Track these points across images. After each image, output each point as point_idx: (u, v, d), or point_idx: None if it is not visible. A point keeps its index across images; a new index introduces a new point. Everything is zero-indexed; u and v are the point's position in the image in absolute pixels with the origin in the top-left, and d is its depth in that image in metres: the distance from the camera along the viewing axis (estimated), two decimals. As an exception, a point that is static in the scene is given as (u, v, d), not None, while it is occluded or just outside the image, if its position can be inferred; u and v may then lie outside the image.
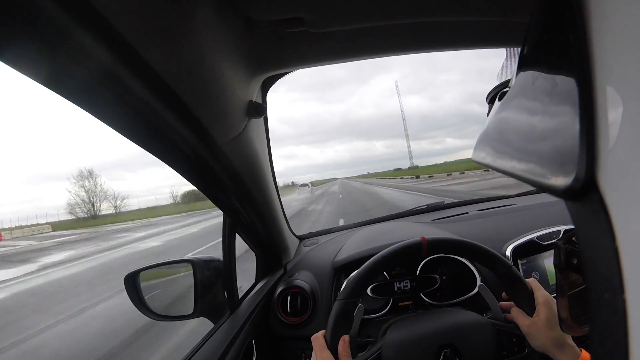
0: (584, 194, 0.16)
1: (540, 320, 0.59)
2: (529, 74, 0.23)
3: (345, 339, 0.59)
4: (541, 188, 0.19)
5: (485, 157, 0.27)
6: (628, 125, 0.14)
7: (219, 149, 0.57)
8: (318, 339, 0.61)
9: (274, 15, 0.46)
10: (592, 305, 0.18)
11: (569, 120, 0.16)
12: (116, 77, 0.37)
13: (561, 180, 0.17)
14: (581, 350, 0.55)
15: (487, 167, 0.28)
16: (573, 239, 0.32)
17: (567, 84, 0.17)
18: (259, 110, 0.59)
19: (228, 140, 0.57)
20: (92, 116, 0.41)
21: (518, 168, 0.21)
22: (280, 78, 0.69)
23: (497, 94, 0.56)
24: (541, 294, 0.62)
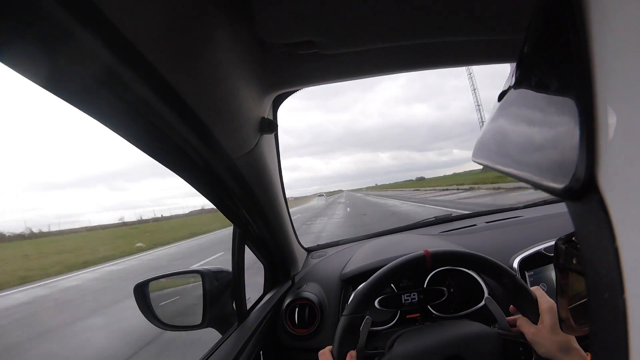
0: (584, 194, 0.16)
1: (545, 326, 0.58)
2: (528, 75, 0.23)
3: (352, 355, 0.59)
4: (541, 188, 0.19)
5: (486, 158, 0.27)
6: (628, 125, 0.14)
7: (233, 164, 0.59)
8: (325, 355, 0.61)
9: (287, 39, 0.48)
10: (592, 305, 0.18)
11: (568, 121, 0.16)
12: (137, 95, 0.39)
13: (561, 181, 0.17)
14: (587, 354, 0.55)
15: (487, 168, 0.28)
16: (573, 239, 0.33)
17: (566, 84, 0.17)
18: (270, 126, 0.61)
19: (241, 155, 0.59)
20: (110, 131, 0.43)
21: (518, 168, 0.22)
22: (290, 95, 0.71)
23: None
24: (545, 300, 0.62)
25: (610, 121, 0.15)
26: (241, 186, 0.67)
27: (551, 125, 0.19)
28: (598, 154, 0.15)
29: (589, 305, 0.18)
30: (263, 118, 0.61)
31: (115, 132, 0.43)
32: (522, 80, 0.24)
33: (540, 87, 0.21)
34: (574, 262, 0.31)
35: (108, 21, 0.29)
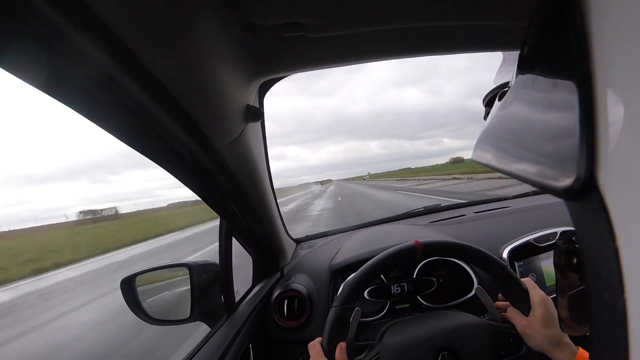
0: (584, 194, 0.16)
1: (536, 319, 0.59)
2: (528, 75, 0.23)
3: (342, 346, 0.59)
4: (541, 188, 0.19)
5: (486, 157, 0.27)
6: (628, 125, 0.14)
7: (217, 152, 0.57)
8: (315, 347, 0.60)
9: (273, 20, 0.46)
10: (592, 305, 0.18)
11: (568, 121, 0.17)
12: (112, 79, 0.37)
13: (561, 181, 0.17)
14: (578, 348, 0.55)
15: (487, 167, 0.28)
16: (573, 239, 0.33)
17: (567, 84, 0.17)
18: (256, 114, 0.59)
19: (226, 143, 0.57)
20: (86, 119, 0.41)
21: (518, 168, 0.22)
22: (277, 82, 0.69)
23: (494, 96, 0.57)
24: (536, 293, 0.62)
25: (610, 121, 0.15)
26: (226, 176, 0.65)
27: (551, 125, 0.19)
28: (598, 154, 0.15)
29: (589, 305, 0.18)
30: (248, 105, 0.59)
31: (92, 121, 0.41)
32: (522, 80, 0.24)
33: (540, 86, 0.21)
34: (574, 261, 0.31)
35: (82, 2, 0.28)
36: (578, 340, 0.58)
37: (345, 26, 0.49)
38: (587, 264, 0.19)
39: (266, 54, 0.56)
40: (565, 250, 0.33)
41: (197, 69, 0.43)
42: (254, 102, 0.64)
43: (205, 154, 0.56)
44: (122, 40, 0.33)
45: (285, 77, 0.65)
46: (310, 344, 0.61)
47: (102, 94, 0.38)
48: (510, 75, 0.28)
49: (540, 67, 0.21)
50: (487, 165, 0.27)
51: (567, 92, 0.17)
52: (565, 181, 0.16)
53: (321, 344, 0.60)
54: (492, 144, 0.27)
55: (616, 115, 0.14)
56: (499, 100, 0.28)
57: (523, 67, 0.23)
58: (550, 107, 0.19)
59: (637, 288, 0.14)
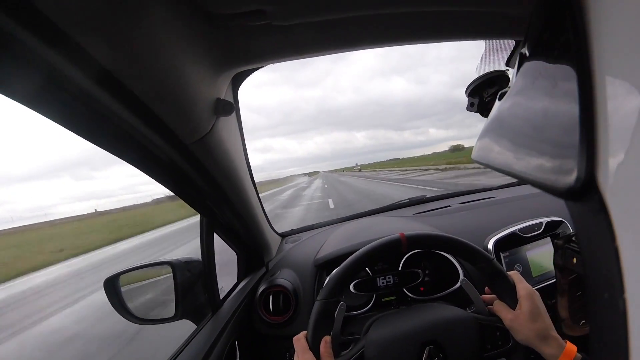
0: (584, 194, 0.16)
1: (523, 313, 0.58)
2: (529, 75, 0.23)
3: (327, 340, 0.58)
4: (541, 188, 0.19)
5: (486, 157, 0.27)
6: (628, 125, 0.14)
7: (186, 149, 0.55)
8: (300, 340, 0.60)
9: (233, 8, 0.43)
10: (592, 305, 0.18)
11: (568, 121, 0.17)
12: (65, 77, 0.35)
13: (561, 181, 0.17)
14: (566, 342, 0.55)
15: (487, 167, 0.28)
16: (573, 238, 0.33)
17: (567, 84, 0.17)
18: (226, 108, 0.57)
19: (195, 140, 0.55)
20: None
21: (518, 168, 0.22)
22: (251, 73, 0.67)
23: (477, 86, 0.56)
24: (523, 286, 0.61)
25: (610, 122, 0.15)
26: (200, 173, 0.63)
27: (551, 125, 0.19)
28: (598, 154, 0.15)
29: (589, 305, 0.19)
30: (218, 99, 0.57)
31: (52, 119, 0.39)
32: (522, 80, 0.24)
33: (540, 87, 0.21)
34: (574, 261, 0.31)
35: None
36: (578, 340, 0.58)
37: (312, 13, 0.46)
38: (587, 264, 0.19)
39: (233, 46, 0.53)
40: (566, 250, 0.33)
41: (153, 62, 0.41)
42: (226, 95, 0.61)
43: (175, 151, 0.54)
44: (68, 35, 0.32)
45: (258, 68, 0.63)
46: (295, 338, 0.61)
47: (58, 92, 0.37)
48: (494, 63, 0.28)
49: (540, 67, 0.21)
50: (487, 166, 0.27)
51: (567, 92, 0.17)
52: (565, 181, 0.17)
53: (306, 338, 0.60)
54: (492, 145, 0.27)
55: (616, 115, 0.15)
56: (499, 100, 0.29)
57: (523, 67, 0.23)
58: (550, 107, 0.19)
59: (637, 288, 0.14)
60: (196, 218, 0.82)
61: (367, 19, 0.53)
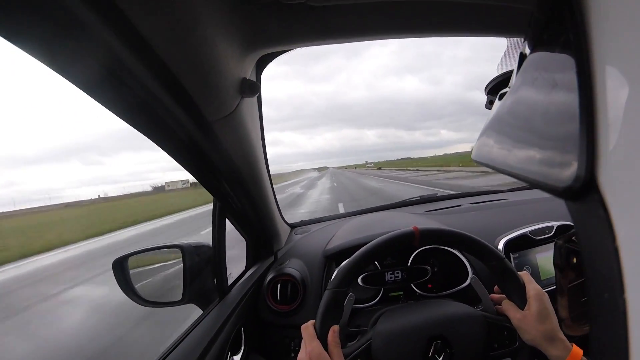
0: (584, 194, 0.16)
1: (531, 313, 0.58)
2: (529, 74, 0.22)
3: (334, 329, 0.58)
4: (541, 188, 0.19)
5: (486, 157, 0.27)
6: (628, 125, 0.14)
7: (210, 127, 0.55)
8: (308, 329, 0.60)
9: None
10: (592, 305, 0.18)
11: (569, 120, 0.17)
12: (101, 42, 0.35)
13: (561, 180, 0.17)
14: (572, 345, 0.55)
15: (487, 167, 0.28)
16: (573, 238, 0.32)
17: (567, 84, 0.17)
18: (252, 88, 0.56)
19: (219, 117, 0.55)
20: (77, 90, 0.39)
21: (518, 168, 0.22)
22: (276, 57, 0.66)
23: (495, 85, 0.55)
24: (533, 287, 0.61)
25: (610, 121, 0.15)
26: (220, 153, 0.62)
27: (551, 125, 0.19)
28: (598, 154, 0.15)
29: (589, 305, 0.19)
30: (244, 79, 0.56)
31: (83, 90, 0.39)
32: (522, 80, 0.24)
33: (540, 86, 0.21)
34: (574, 261, 0.31)
35: None
36: (578, 340, 0.57)
37: None
38: (587, 264, 0.19)
39: (264, 25, 0.53)
40: (566, 250, 0.33)
41: (189, 33, 0.41)
42: (250, 75, 0.61)
43: (198, 127, 0.54)
44: (112, 2, 0.31)
45: (284, 51, 0.62)
46: (303, 326, 0.61)
47: (91, 60, 0.37)
48: (514, 63, 0.28)
49: (540, 67, 0.21)
50: (487, 166, 0.27)
51: (567, 92, 0.17)
52: (565, 181, 0.16)
53: (314, 326, 0.60)
54: (492, 144, 0.27)
55: (616, 114, 0.14)
56: (499, 99, 0.28)
57: (523, 66, 0.23)
58: (550, 106, 0.19)
59: (637, 288, 0.14)
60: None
61: (399, 5, 0.53)
